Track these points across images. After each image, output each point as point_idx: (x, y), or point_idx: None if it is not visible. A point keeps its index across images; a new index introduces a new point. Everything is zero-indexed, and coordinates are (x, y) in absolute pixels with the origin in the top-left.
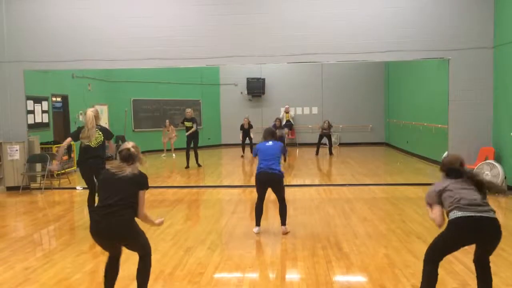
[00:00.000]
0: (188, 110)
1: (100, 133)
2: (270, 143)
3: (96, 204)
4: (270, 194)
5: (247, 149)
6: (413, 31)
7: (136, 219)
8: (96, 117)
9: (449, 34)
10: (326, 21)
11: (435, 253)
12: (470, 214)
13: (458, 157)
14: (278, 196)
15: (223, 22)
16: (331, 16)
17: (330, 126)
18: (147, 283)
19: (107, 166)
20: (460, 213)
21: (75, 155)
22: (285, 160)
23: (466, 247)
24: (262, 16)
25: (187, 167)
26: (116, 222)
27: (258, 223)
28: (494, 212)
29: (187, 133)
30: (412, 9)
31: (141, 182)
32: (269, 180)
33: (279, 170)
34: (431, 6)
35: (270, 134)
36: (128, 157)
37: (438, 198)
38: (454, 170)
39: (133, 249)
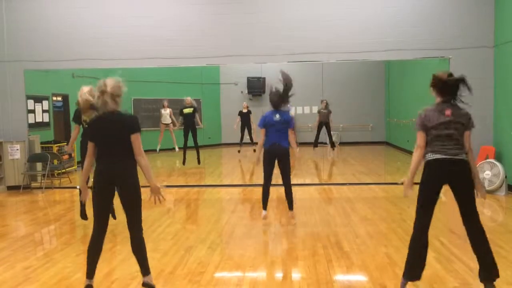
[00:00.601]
0: (188, 98)
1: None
2: (278, 116)
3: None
4: (272, 193)
5: (246, 148)
6: (413, 30)
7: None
8: (93, 96)
9: (450, 33)
10: (327, 20)
11: (419, 213)
12: (442, 156)
13: (447, 73)
14: (283, 173)
15: (224, 21)
16: (332, 15)
17: (328, 108)
18: (146, 256)
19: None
20: (434, 155)
21: (75, 154)
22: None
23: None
24: (263, 15)
25: (184, 162)
26: (120, 166)
27: (264, 207)
28: (466, 154)
29: (183, 120)
30: (412, 8)
31: (132, 125)
32: (277, 153)
33: (287, 146)
34: (432, 5)
35: (278, 100)
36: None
37: (424, 127)
38: (446, 89)
39: (129, 204)
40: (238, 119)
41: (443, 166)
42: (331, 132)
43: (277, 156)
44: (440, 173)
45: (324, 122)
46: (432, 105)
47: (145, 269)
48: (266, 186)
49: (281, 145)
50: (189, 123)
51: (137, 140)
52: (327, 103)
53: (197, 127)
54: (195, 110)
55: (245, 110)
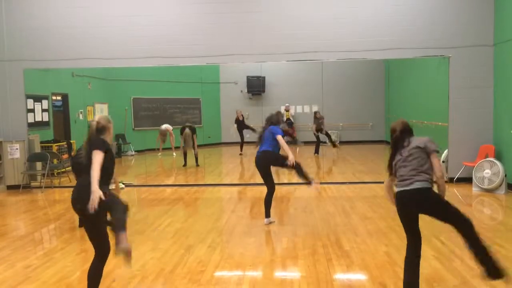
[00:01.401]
0: (187, 132)
1: None
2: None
3: None
4: (277, 191)
5: (246, 147)
6: (413, 29)
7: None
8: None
9: (450, 31)
10: (326, 19)
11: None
12: (400, 189)
13: (398, 123)
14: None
15: (223, 20)
16: (331, 14)
17: (321, 116)
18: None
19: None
20: (397, 189)
21: (75, 154)
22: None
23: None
24: (262, 14)
25: (185, 165)
26: (79, 189)
27: (266, 215)
28: (425, 181)
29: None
30: (412, 7)
31: (94, 143)
32: (257, 164)
33: (263, 150)
34: (431, 4)
35: (268, 119)
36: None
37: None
38: (396, 139)
39: (91, 234)
40: (235, 127)
41: (403, 199)
42: (329, 132)
43: (257, 167)
44: (401, 206)
45: (318, 129)
46: None
47: None
48: (265, 197)
49: (258, 153)
50: (188, 142)
51: (95, 156)
52: (319, 113)
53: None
54: (193, 132)
55: (240, 118)
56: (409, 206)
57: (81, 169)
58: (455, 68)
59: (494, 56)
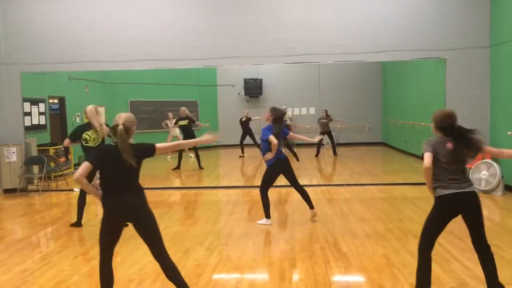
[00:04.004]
0: (183, 108)
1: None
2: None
3: None
4: (271, 195)
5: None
6: (409, 31)
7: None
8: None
9: (446, 34)
10: (323, 21)
11: (426, 236)
12: (452, 192)
13: (448, 114)
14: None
15: (221, 23)
16: (328, 16)
17: (328, 116)
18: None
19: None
20: (444, 191)
21: (72, 157)
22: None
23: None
24: (260, 17)
25: (178, 168)
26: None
27: (266, 215)
28: (472, 184)
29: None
30: (408, 9)
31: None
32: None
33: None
34: (428, 6)
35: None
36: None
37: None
38: (445, 128)
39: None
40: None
41: (453, 201)
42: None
43: (281, 170)
44: (450, 208)
45: (325, 131)
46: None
47: None
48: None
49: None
50: (186, 133)
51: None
52: (327, 112)
53: (200, 126)
54: (190, 121)
55: (244, 119)
56: (463, 209)
57: None
58: (452, 70)
59: (490, 58)
